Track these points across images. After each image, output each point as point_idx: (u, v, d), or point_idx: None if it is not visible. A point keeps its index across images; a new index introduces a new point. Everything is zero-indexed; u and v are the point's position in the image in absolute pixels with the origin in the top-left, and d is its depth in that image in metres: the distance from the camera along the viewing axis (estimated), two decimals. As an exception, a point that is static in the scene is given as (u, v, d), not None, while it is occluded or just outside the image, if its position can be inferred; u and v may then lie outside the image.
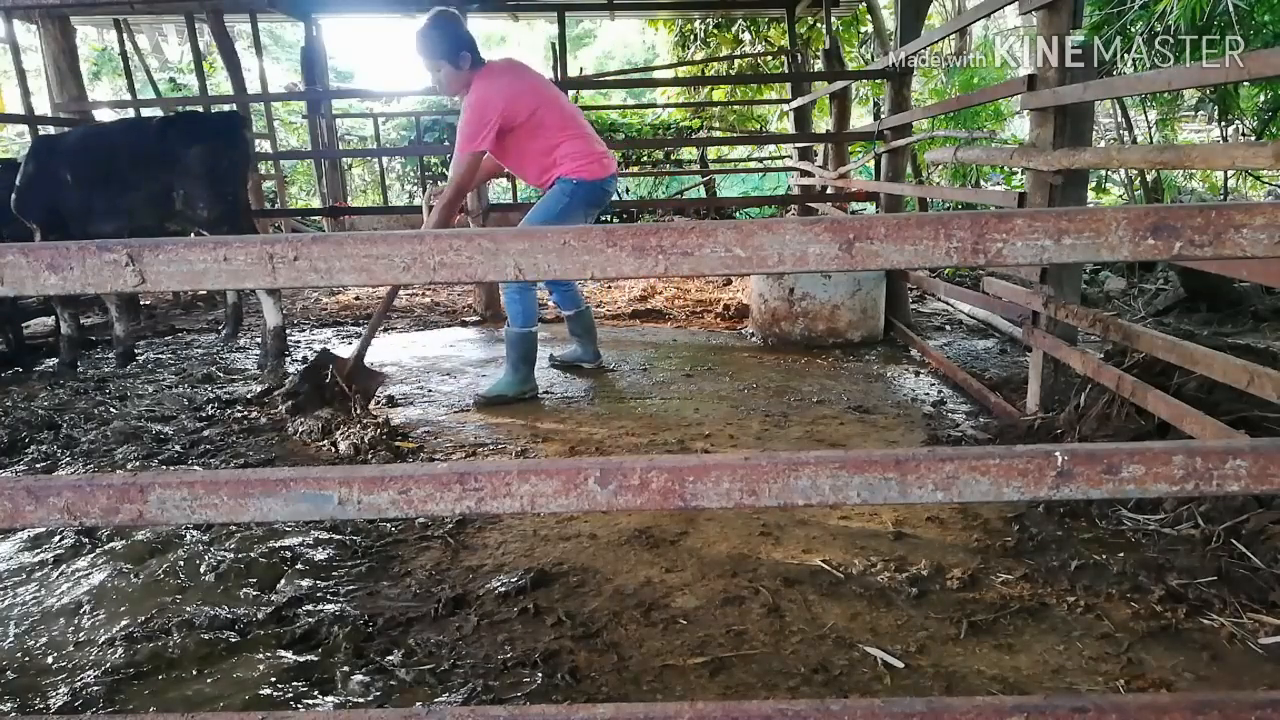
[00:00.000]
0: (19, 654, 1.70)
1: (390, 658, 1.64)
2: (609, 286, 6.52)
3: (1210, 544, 1.91)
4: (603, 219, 9.95)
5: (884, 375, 3.76)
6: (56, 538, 2.20)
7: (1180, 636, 1.65)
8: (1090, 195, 6.64)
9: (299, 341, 4.81)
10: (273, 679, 1.57)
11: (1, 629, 1.79)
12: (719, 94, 10.74)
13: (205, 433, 3.04)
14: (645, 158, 11.92)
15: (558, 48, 7.91)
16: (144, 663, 1.63)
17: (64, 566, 2.06)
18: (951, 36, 7.02)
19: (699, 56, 9.84)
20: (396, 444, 2.87)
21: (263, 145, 8.41)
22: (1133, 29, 3.33)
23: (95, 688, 1.57)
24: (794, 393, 3.45)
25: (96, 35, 13.50)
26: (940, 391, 3.45)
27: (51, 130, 5.61)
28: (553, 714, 1.04)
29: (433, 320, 5.50)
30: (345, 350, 4.55)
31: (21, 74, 6.53)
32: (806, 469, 0.89)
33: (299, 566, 2.02)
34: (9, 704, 1.54)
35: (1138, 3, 3.32)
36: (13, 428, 3.13)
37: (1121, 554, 1.96)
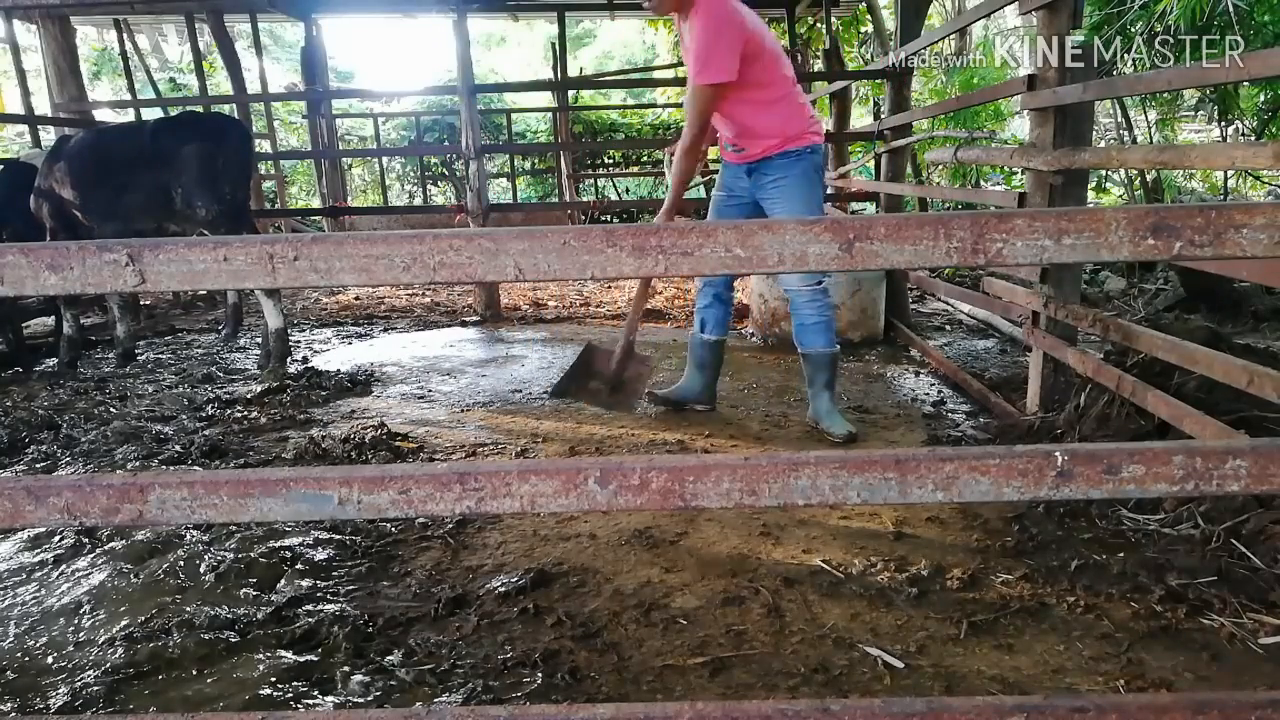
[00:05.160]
0: (19, 654, 1.70)
1: (390, 658, 1.64)
2: (609, 286, 6.52)
3: (1210, 544, 1.91)
4: (604, 219, 9.96)
5: (884, 375, 3.76)
6: (56, 538, 2.20)
7: (1180, 636, 1.65)
8: (1090, 195, 6.64)
9: (299, 341, 4.81)
10: (273, 679, 1.57)
11: (1, 629, 1.79)
12: (719, 94, 10.70)
13: (205, 432, 3.04)
14: (645, 158, 11.92)
15: (558, 48, 7.92)
16: (144, 663, 1.63)
17: (64, 566, 2.06)
18: (951, 36, 7.02)
19: (699, 56, 9.82)
20: (396, 444, 2.87)
21: (263, 145, 8.42)
22: (1133, 29, 3.33)
23: (95, 688, 1.57)
24: (794, 393, 3.45)
25: (96, 35, 13.50)
26: (940, 391, 3.45)
27: (53, 130, 5.61)
28: (553, 714, 1.04)
29: (433, 320, 5.50)
30: (339, 354, 4.55)
31: (21, 74, 6.54)
32: (806, 469, 0.89)
33: (299, 566, 2.02)
34: (9, 704, 1.54)
35: (1138, 3, 3.32)
36: (13, 428, 3.13)
37: (1121, 554, 1.96)
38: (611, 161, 11.94)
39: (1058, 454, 0.87)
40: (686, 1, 2.50)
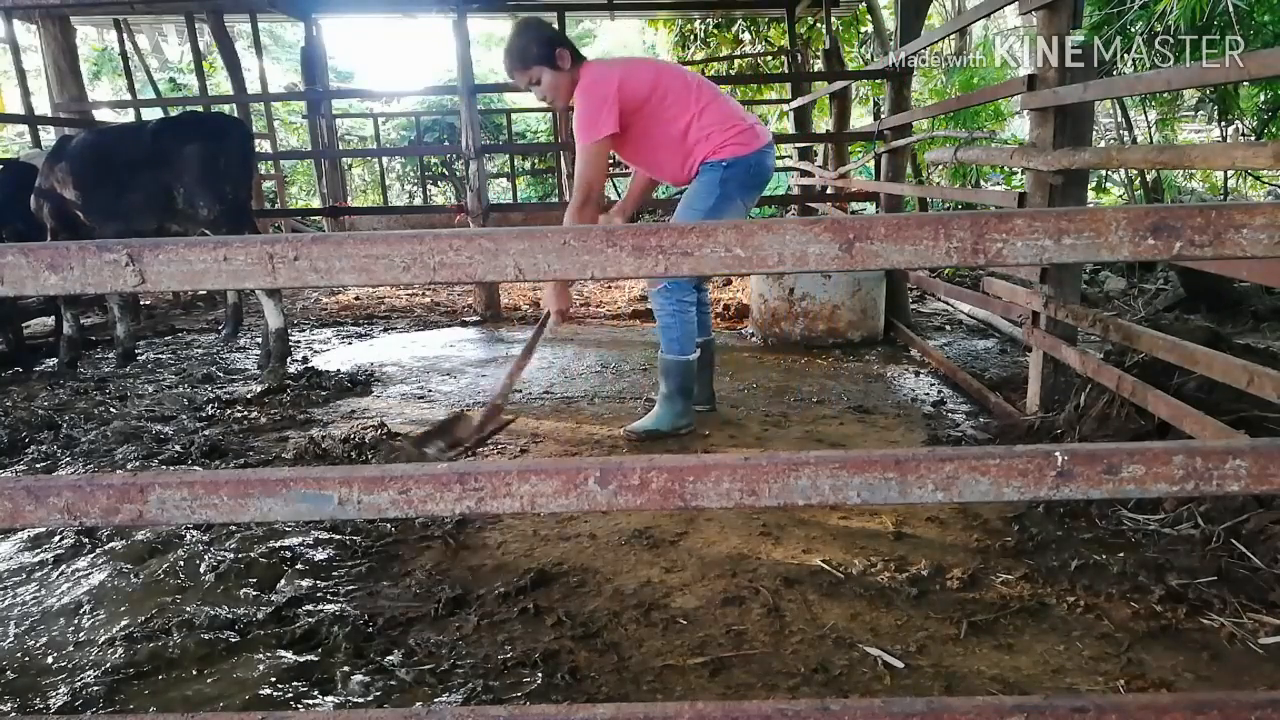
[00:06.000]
0: (19, 654, 1.70)
1: (390, 658, 1.64)
2: (609, 286, 6.52)
3: (1210, 544, 1.91)
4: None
5: (884, 375, 3.76)
6: (56, 538, 2.20)
7: (1180, 636, 1.65)
8: (1090, 195, 6.64)
9: (299, 341, 4.81)
10: (273, 679, 1.57)
11: (1, 629, 1.79)
12: (719, 94, 10.70)
13: (205, 432, 3.04)
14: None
15: (558, 48, 7.90)
16: (144, 663, 1.63)
17: (64, 566, 2.06)
18: (951, 36, 7.02)
19: (699, 56, 9.83)
20: (396, 444, 2.87)
21: (263, 145, 8.41)
22: (1133, 29, 3.33)
23: (95, 688, 1.57)
24: (794, 393, 3.45)
25: (96, 35, 13.50)
26: (940, 391, 3.45)
27: (53, 130, 5.61)
28: (553, 714, 1.04)
29: (433, 320, 5.50)
30: (339, 354, 4.55)
31: (21, 74, 6.54)
32: (806, 469, 0.89)
33: (299, 566, 2.02)
34: (9, 704, 1.54)
35: (1138, 3, 3.32)
36: (13, 428, 3.12)
37: (1121, 554, 1.96)
38: (611, 162, 11.93)
39: (1058, 454, 0.87)
40: (573, 88, 2.73)
